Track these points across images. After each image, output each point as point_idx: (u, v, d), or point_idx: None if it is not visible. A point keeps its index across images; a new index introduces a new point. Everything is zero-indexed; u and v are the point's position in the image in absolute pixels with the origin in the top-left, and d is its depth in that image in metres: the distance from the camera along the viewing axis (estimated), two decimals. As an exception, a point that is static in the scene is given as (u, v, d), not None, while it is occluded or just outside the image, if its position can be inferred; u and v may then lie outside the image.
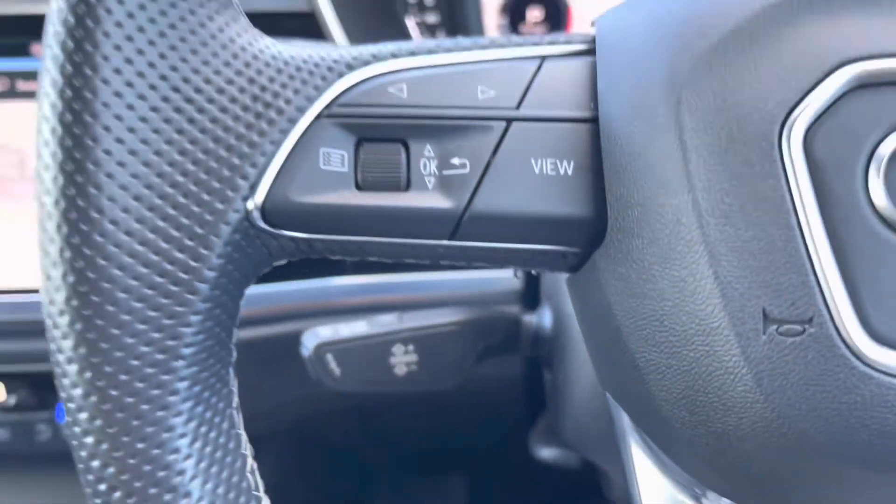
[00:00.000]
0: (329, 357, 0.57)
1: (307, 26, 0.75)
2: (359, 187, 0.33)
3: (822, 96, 0.29)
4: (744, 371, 0.29)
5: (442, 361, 0.60)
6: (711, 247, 0.30)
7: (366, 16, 0.83)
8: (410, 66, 0.34)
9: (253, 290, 0.67)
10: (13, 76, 0.75)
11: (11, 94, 0.75)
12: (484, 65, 0.34)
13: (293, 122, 0.32)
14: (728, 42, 0.31)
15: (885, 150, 0.29)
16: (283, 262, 0.36)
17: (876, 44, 0.29)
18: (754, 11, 0.31)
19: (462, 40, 0.36)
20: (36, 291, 0.72)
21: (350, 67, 0.34)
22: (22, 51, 0.75)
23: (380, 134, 0.33)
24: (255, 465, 0.34)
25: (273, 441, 0.93)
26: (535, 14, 0.88)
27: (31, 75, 0.76)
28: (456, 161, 0.33)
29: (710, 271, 0.30)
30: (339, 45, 0.37)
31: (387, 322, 0.59)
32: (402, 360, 0.58)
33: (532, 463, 0.77)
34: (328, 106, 0.33)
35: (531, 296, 0.76)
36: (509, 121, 0.33)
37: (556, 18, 0.88)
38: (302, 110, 0.32)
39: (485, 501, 1.09)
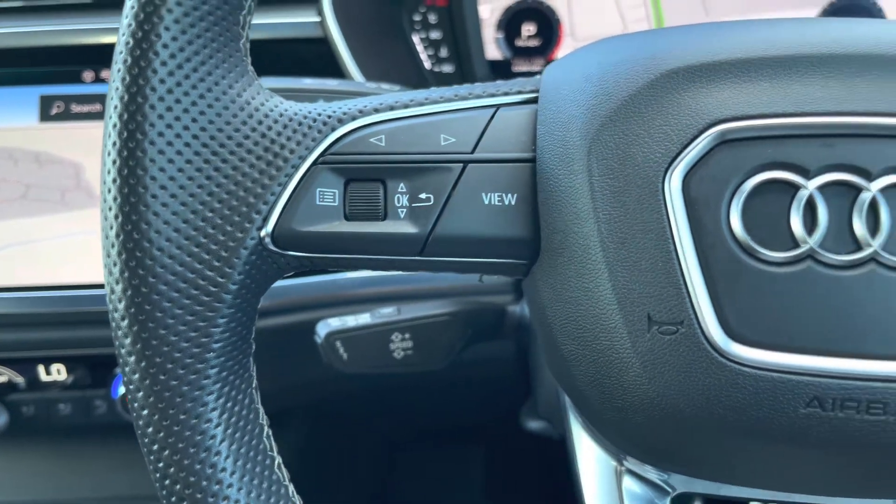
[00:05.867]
0: (338, 344, 0.67)
1: (321, 51, 0.83)
2: (347, 218, 0.41)
3: (696, 150, 0.37)
4: (634, 361, 0.38)
5: (434, 347, 0.69)
6: (610, 266, 0.38)
7: (375, 36, 0.90)
8: (388, 119, 0.42)
9: (277, 284, 0.78)
10: (68, 100, 0.85)
11: (67, 115, 0.84)
12: (448, 115, 0.42)
13: (296, 168, 0.41)
14: (629, 104, 0.38)
15: (742, 191, 0.37)
16: (291, 273, 0.45)
17: (737, 109, 0.37)
18: (649, 80, 0.39)
19: (432, 93, 0.44)
20: (91, 287, 0.82)
21: (341, 122, 0.42)
22: (75, 77, 0.85)
23: (363, 175, 0.41)
24: (271, 433, 0.44)
25: (303, 415, 1.04)
26: (528, 28, 0.95)
27: (84, 99, 0.85)
28: (423, 196, 0.41)
29: (610, 284, 0.38)
30: (337, 98, 0.45)
31: (387, 313, 0.69)
32: (400, 345, 0.67)
33: (526, 434, 0.86)
34: (322, 154, 0.41)
35: (520, 287, 0.84)
36: (465, 163, 0.41)
37: (549, 33, 0.95)
38: (303, 158, 0.41)
39: (491, 469, 1.18)
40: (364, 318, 0.68)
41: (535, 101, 0.42)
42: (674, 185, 0.37)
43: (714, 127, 0.37)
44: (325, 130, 0.42)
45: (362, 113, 0.42)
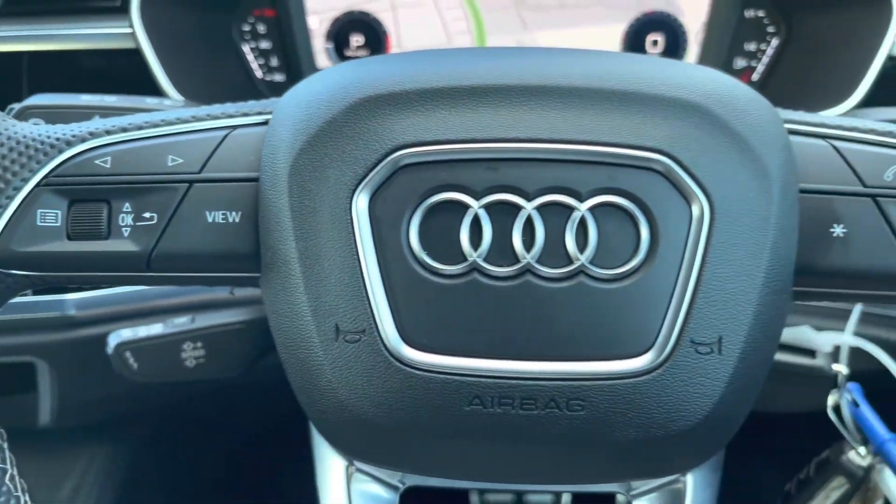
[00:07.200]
0: (128, 354, 0.69)
1: (139, 64, 0.83)
2: (69, 237, 0.43)
3: (380, 173, 0.40)
4: (326, 367, 0.41)
5: (227, 355, 0.71)
6: (307, 280, 0.41)
7: (199, 46, 0.91)
8: (118, 140, 0.44)
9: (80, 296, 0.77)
10: None
11: None
12: (181, 136, 0.44)
13: (17, 190, 0.42)
14: (326, 129, 0.41)
15: (420, 211, 0.41)
16: (25, 291, 0.46)
17: (416, 135, 0.40)
18: (343, 107, 0.42)
19: (170, 115, 0.46)
20: None
21: (69, 144, 0.43)
22: None
23: (88, 196, 0.43)
24: (6, 446, 0.45)
25: (138, 423, 1.04)
26: (357, 39, 0.97)
27: None
28: (147, 215, 0.43)
29: (306, 297, 0.41)
30: (114, 114, 0.47)
31: (180, 323, 0.70)
32: (192, 354, 0.69)
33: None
34: (46, 176, 0.42)
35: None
36: (191, 182, 0.43)
37: (377, 43, 0.97)
38: (25, 181, 0.42)
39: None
40: (156, 328, 0.70)
41: (268, 122, 0.45)
42: (360, 206, 0.41)
43: (395, 152, 0.40)
44: (52, 153, 0.43)
45: (93, 135, 0.44)
